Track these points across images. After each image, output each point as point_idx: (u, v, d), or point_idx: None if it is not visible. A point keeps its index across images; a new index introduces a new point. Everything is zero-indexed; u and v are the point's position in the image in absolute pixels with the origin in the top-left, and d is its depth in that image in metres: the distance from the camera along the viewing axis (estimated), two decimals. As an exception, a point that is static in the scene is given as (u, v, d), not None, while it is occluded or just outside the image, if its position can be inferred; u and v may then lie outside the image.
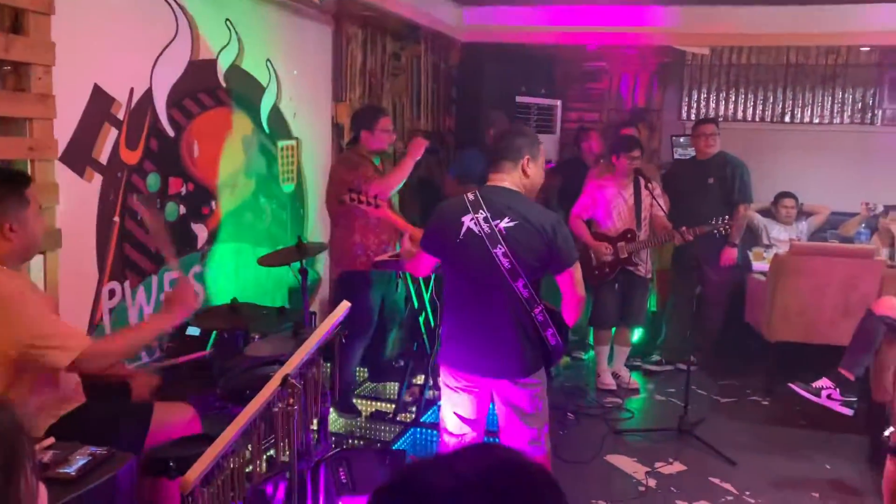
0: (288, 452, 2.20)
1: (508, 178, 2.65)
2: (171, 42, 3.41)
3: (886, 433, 1.57)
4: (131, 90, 3.20)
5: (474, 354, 2.66)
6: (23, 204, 2.19)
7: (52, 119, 2.74)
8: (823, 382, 3.79)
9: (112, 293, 3.16)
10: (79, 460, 1.94)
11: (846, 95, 5.98)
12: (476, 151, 5.06)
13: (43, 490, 0.91)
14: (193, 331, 3.11)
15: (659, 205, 4.48)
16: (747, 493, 3.43)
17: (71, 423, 2.22)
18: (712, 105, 6.27)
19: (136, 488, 2.08)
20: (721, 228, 4.42)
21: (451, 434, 2.81)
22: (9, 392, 2.12)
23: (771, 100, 6.15)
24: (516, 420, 2.70)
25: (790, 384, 3.89)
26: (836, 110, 6.01)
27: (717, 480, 3.55)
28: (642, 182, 4.49)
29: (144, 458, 2.26)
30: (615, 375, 4.85)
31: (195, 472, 1.95)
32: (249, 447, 2.16)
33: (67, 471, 1.89)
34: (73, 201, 2.90)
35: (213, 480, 2.05)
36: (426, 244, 2.70)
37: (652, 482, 3.53)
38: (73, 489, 1.85)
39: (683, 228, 4.35)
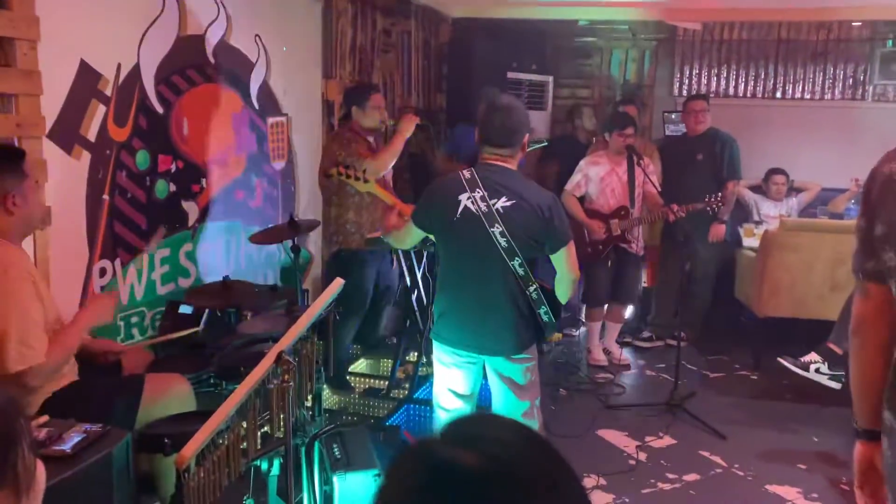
0: (283, 429, 2.21)
1: (504, 157, 2.65)
2: (158, 17, 3.36)
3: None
4: (118, 66, 3.15)
5: (469, 331, 2.68)
6: (21, 177, 2.22)
7: (39, 95, 2.70)
8: (811, 357, 3.83)
9: (103, 271, 3.14)
10: (74, 437, 1.94)
11: (837, 71, 5.98)
12: (468, 128, 5.04)
13: (41, 467, 0.91)
14: (186, 309, 3.10)
15: (651, 181, 4.48)
16: (736, 465, 3.49)
17: (64, 399, 2.22)
18: (704, 81, 6.25)
19: (131, 464, 2.09)
20: (713, 205, 4.44)
21: (444, 409, 2.83)
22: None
23: (762, 75, 6.14)
24: (509, 393, 2.74)
25: (779, 358, 3.93)
26: (826, 86, 6.01)
27: (706, 454, 3.60)
28: (635, 159, 4.49)
29: (140, 434, 2.26)
30: (606, 352, 4.88)
31: (191, 449, 1.96)
32: (244, 423, 2.17)
33: (63, 448, 1.90)
34: (62, 179, 2.87)
35: (209, 456, 2.06)
36: (419, 220, 2.69)
37: (643, 456, 3.58)
38: (70, 466, 1.86)
39: (675, 206, 4.35)
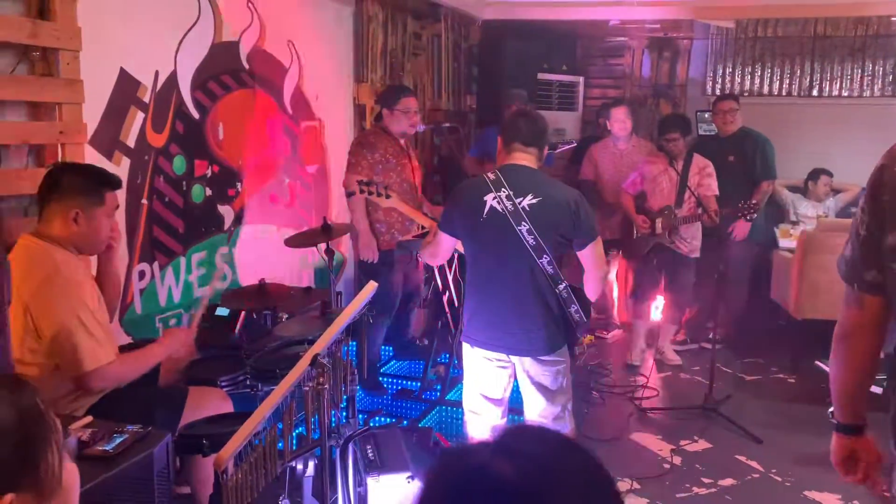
0: (318, 430, 2.23)
1: (528, 158, 2.67)
2: (193, 25, 3.42)
3: (830, 409, 1.67)
4: (156, 73, 3.22)
5: (499, 332, 2.68)
6: (96, 201, 2.29)
7: (81, 103, 2.77)
8: None
9: (142, 274, 3.21)
10: (116, 438, 1.98)
11: (876, 67, 5.84)
12: (497, 130, 5.04)
13: (73, 469, 0.91)
14: (222, 311, 3.15)
15: (710, 185, 4.43)
16: (773, 470, 3.43)
17: (109, 404, 2.27)
18: (737, 80, 6.16)
19: (171, 465, 2.13)
20: (746, 213, 4.33)
21: (474, 412, 2.83)
22: (50, 373, 2.17)
23: (798, 73, 6.02)
24: (540, 397, 2.72)
25: (818, 362, 3.86)
26: (865, 83, 5.87)
27: (742, 458, 3.55)
28: (693, 162, 4.45)
29: (179, 435, 2.31)
30: (659, 352, 4.85)
31: (229, 450, 1.99)
32: (280, 425, 2.20)
33: (106, 448, 1.94)
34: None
35: (246, 458, 2.09)
36: (446, 225, 2.71)
37: (677, 460, 3.54)
38: (112, 466, 1.90)
39: (713, 211, 4.32)
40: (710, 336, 4.40)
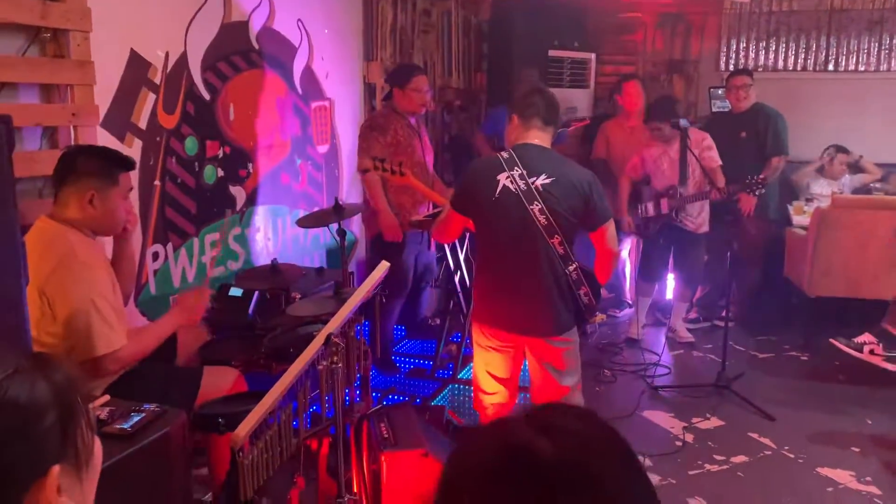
0: (332, 408, 2.25)
1: (541, 137, 2.65)
2: (203, 5, 3.41)
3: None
4: (167, 54, 3.22)
5: (509, 312, 2.68)
6: (111, 182, 2.31)
7: (93, 85, 2.77)
8: (866, 338, 3.74)
9: (156, 255, 3.23)
10: (133, 416, 2.01)
11: (894, 41, 5.74)
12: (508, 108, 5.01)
13: (98, 445, 0.95)
14: (236, 291, 3.17)
15: (709, 157, 4.39)
16: (786, 447, 3.44)
17: (127, 383, 2.30)
18: (752, 55, 6.08)
19: (187, 443, 2.16)
20: (754, 188, 4.28)
21: (484, 392, 2.85)
22: (66, 355, 2.20)
23: (814, 47, 5.93)
24: (549, 377, 2.73)
25: (832, 340, 3.85)
26: (883, 57, 5.78)
27: (755, 435, 3.55)
28: (691, 137, 4.43)
29: (195, 414, 2.34)
30: (672, 329, 4.86)
31: (245, 428, 2.02)
32: (295, 404, 2.23)
33: (124, 426, 1.97)
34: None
35: (262, 436, 2.12)
36: (458, 204, 2.70)
37: (689, 437, 3.55)
38: (130, 444, 1.93)
39: (721, 187, 4.30)
40: (723, 314, 4.39)
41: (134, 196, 3.09)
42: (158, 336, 2.41)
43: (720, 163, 4.43)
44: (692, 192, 4.44)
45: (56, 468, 0.84)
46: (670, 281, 5.08)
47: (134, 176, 3.08)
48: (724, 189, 4.27)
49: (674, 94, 4.93)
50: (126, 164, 2.37)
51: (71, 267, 2.18)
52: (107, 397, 2.12)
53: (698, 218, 4.54)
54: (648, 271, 4.79)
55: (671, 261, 4.76)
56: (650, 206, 4.55)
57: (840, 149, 5.34)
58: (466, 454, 0.74)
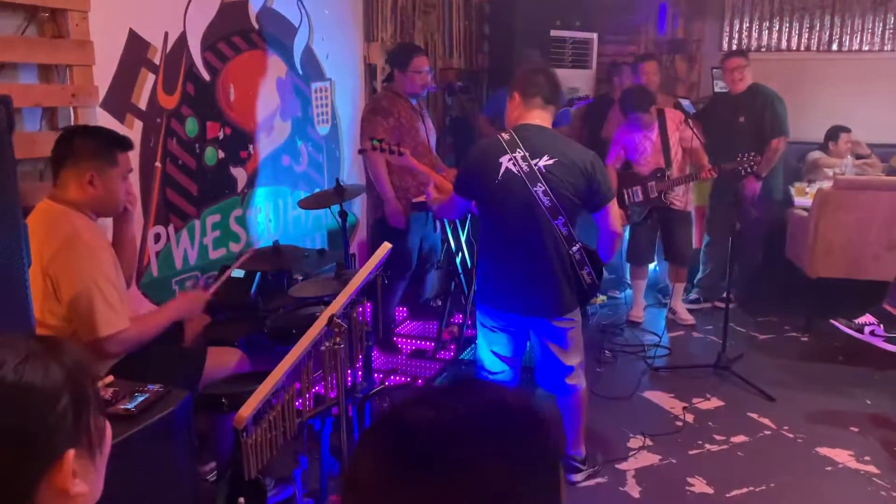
0: (335, 389, 2.27)
1: (542, 117, 2.64)
2: (202, -16, 3.38)
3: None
4: (166, 34, 3.19)
5: (512, 293, 2.69)
6: (110, 162, 2.29)
7: (92, 65, 2.76)
8: (867, 318, 3.74)
9: (157, 237, 3.23)
10: (138, 397, 2.02)
11: (899, 20, 5.70)
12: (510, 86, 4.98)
13: (108, 426, 0.95)
14: (238, 273, 3.17)
15: (696, 135, 4.37)
16: (785, 427, 3.46)
17: (131, 364, 2.31)
18: (755, 34, 6.03)
19: (191, 423, 2.18)
20: (746, 165, 4.28)
21: (488, 371, 2.86)
22: (70, 336, 2.21)
23: (817, 27, 5.88)
24: (553, 357, 2.75)
25: (832, 321, 3.85)
26: (887, 37, 5.74)
27: (754, 416, 3.57)
28: (667, 118, 4.42)
29: (199, 394, 2.35)
30: (672, 311, 4.87)
31: (248, 408, 2.03)
32: (298, 384, 2.24)
33: (128, 407, 1.98)
34: (116, 148, 2.93)
35: (265, 416, 2.13)
36: (460, 187, 2.70)
37: (689, 417, 3.57)
38: (134, 424, 1.94)
39: (709, 166, 4.31)
40: (724, 295, 4.40)
41: (135, 178, 3.09)
42: (158, 324, 2.41)
43: (702, 140, 4.44)
44: (676, 173, 4.46)
45: (71, 452, 0.85)
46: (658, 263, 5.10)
47: (135, 157, 3.08)
48: (716, 168, 4.29)
49: (645, 84, 4.90)
50: (123, 143, 2.36)
51: (75, 248, 2.18)
52: (111, 378, 2.13)
53: (685, 197, 4.59)
54: (638, 255, 4.82)
55: (659, 242, 4.79)
56: (639, 191, 4.53)
57: (842, 128, 5.31)
58: (363, 445, 0.75)
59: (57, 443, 0.84)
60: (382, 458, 0.70)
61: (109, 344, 2.23)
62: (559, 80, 2.72)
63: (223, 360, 2.56)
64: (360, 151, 3.78)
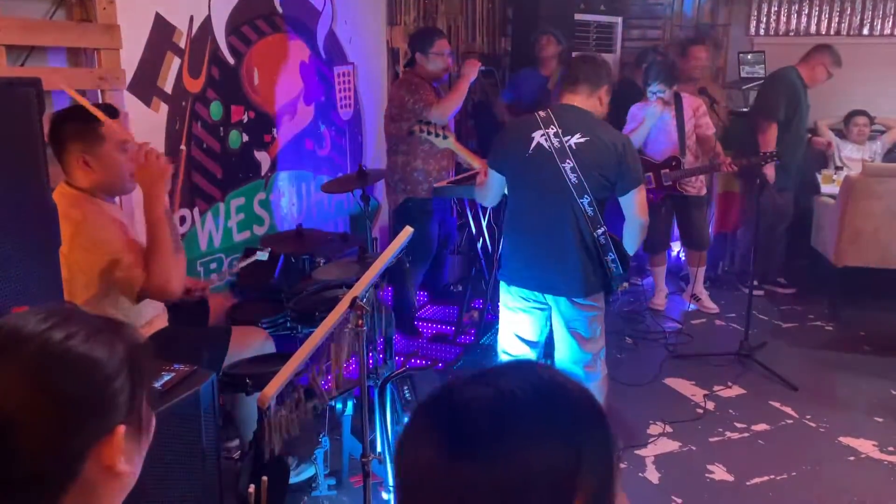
0: (357, 370, 2.29)
1: (583, 100, 2.66)
2: (227, -33, 3.39)
3: None
4: (191, 18, 3.22)
5: (535, 269, 2.70)
6: (96, 140, 2.25)
7: (119, 49, 2.78)
8: None
9: (182, 220, 3.27)
10: (164, 376, 2.06)
11: (932, 4, 5.57)
12: (531, 72, 4.95)
13: (153, 417, 0.97)
14: (262, 256, 3.20)
15: (717, 123, 4.34)
16: (808, 416, 3.43)
17: (156, 343, 2.35)
18: (783, 18, 5.92)
19: (216, 402, 2.21)
20: (768, 160, 4.24)
21: (509, 354, 2.87)
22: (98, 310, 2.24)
23: (848, 11, 5.76)
24: (573, 343, 2.75)
25: None
26: (920, 20, 5.61)
27: (776, 404, 3.55)
28: (684, 104, 4.36)
29: (224, 374, 2.39)
30: (695, 297, 4.84)
31: (272, 388, 2.05)
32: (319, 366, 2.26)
33: (155, 385, 2.01)
34: (142, 131, 2.95)
35: (288, 396, 2.16)
36: (493, 161, 2.74)
37: (710, 405, 3.56)
38: (161, 402, 1.97)
39: (728, 160, 4.26)
40: (747, 282, 4.36)
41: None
42: (162, 241, 2.26)
43: (714, 130, 4.41)
44: (691, 160, 4.41)
45: (122, 427, 0.87)
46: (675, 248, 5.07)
47: (160, 140, 3.12)
48: (738, 162, 4.25)
49: (692, 69, 4.84)
50: (106, 113, 2.24)
51: (82, 236, 2.17)
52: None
53: (697, 182, 4.55)
54: (654, 242, 4.72)
55: (675, 228, 4.76)
56: (651, 179, 4.47)
57: (857, 112, 5.22)
58: (416, 420, 0.76)
59: (111, 417, 0.86)
60: (438, 434, 0.70)
61: (143, 295, 2.25)
62: (607, 67, 2.74)
63: (248, 341, 2.59)
64: (409, 133, 3.65)
